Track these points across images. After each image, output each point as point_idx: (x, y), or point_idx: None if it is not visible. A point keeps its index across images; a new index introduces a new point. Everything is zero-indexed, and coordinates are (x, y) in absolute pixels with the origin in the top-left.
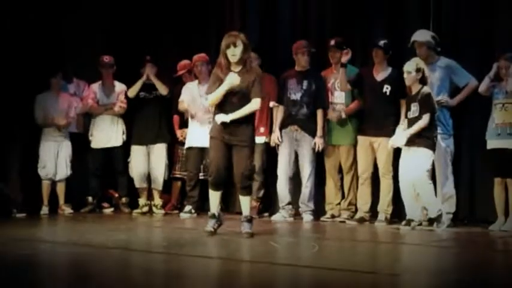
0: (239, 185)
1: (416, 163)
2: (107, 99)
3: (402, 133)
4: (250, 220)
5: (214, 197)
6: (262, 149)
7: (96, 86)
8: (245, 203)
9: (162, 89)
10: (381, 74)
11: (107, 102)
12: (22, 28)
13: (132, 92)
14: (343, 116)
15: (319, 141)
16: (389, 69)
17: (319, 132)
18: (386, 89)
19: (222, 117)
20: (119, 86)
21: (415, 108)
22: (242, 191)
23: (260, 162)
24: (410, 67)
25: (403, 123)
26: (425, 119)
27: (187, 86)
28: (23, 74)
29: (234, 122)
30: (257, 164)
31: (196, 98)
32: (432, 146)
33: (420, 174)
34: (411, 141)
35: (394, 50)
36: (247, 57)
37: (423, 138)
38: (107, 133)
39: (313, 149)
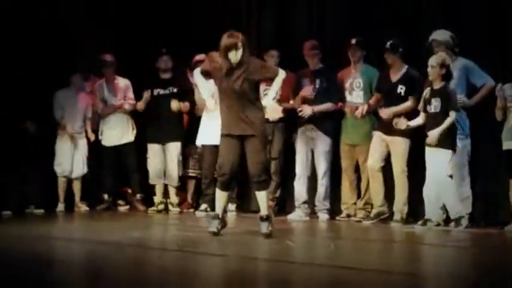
0: (254, 179)
1: (439, 163)
2: (114, 97)
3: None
4: (267, 219)
5: (222, 198)
6: (280, 148)
7: (100, 86)
8: (262, 199)
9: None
10: (396, 74)
11: (114, 100)
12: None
13: (141, 106)
14: (364, 112)
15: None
16: (404, 69)
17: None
18: (401, 89)
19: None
20: (123, 82)
21: (436, 103)
22: (258, 186)
23: (278, 162)
24: (435, 61)
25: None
26: (452, 115)
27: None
28: (41, 70)
29: (243, 114)
30: (274, 165)
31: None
32: (453, 146)
33: (442, 175)
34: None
35: (414, 50)
36: (247, 59)
37: (445, 138)
38: (118, 130)
39: (329, 148)
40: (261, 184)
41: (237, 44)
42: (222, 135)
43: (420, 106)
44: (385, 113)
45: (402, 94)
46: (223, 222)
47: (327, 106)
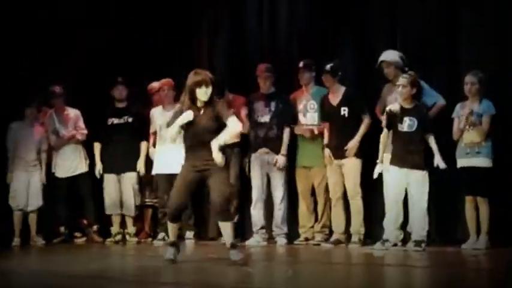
0: (218, 210)
1: (416, 185)
2: (65, 128)
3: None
4: (235, 247)
5: (173, 229)
6: (237, 173)
7: (50, 117)
8: (226, 229)
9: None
10: (336, 97)
11: (66, 131)
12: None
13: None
14: (316, 132)
15: (281, 159)
16: (343, 90)
17: (283, 149)
18: (344, 111)
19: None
20: (73, 112)
21: (411, 122)
22: (222, 217)
23: (235, 187)
24: (406, 81)
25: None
26: (432, 137)
27: (155, 112)
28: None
29: (208, 148)
30: (231, 189)
31: (162, 125)
32: (426, 166)
33: (420, 196)
34: (408, 162)
35: (366, 70)
36: (215, 97)
37: (419, 159)
38: (72, 161)
39: (279, 169)
40: (224, 215)
41: (207, 82)
42: (184, 165)
43: (384, 123)
44: (351, 148)
45: (346, 116)
46: (178, 250)
47: (287, 136)
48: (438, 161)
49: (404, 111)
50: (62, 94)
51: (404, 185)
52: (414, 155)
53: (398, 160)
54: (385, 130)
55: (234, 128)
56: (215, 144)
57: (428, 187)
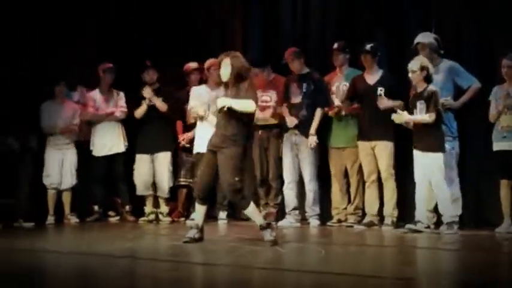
0: (233, 202)
1: (432, 167)
2: (106, 105)
3: (405, 113)
4: (267, 227)
5: (200, 210)
6: (276, 155)
7: (94, 93)
8: (251, 214)
9: (162, 107)
10: (372, 77)
11: (107, 108)
12: (25, 37)
13: (138, 114)
14: (343, 113)
15: (311, 139)
16: (380, 72)
17: (312, 129)
18: (381, 91)
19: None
20: (117, 92)
21: (421, 106)
22: (238, 206)
23: (275, 168)
24: (415, 66)
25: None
26: (431, 116)
27: (196, 90)
28: (28, 82)
29: (222, 127)
30: (272, 171)
31: (206, 102)
32: (442, 148)
33: (437, 179)
34: (423, 145)
35: (397, 53)
36: (238, 76)
37: (433, 141)
38: (109, 140)
39: (311, 150)
40: (239, 204)
41: (221, 61)
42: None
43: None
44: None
45: (382, 95)
46: (200, 233)
47: (318, 116)
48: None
49: (417, 96)
50: (112, 71)
51: (426, 168)
52: (430, 137)
53: (417, 144)
54: None
55: (248, 103)
56: (225, 100)
57: (463, 170)
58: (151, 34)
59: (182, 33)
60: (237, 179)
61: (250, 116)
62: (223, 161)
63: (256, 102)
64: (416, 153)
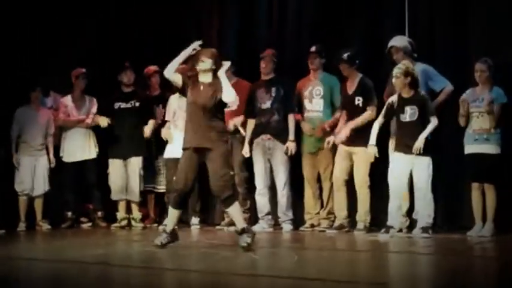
0: (219, 197)
1: (421, 171)
2: (78, 112)
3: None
4: (244, 231)
5: (174, 215)
6: (241, 160)
7: (67, 99)
8: (233, 214)
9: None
10: (351, 86)
11: (78, 115)
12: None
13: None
14: (327, 129)
15: (291, 145)
16: (358, 78)
17: (291, 136)
18: (358, 101)
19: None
20: (90, 99)
21: (412, 111)
22: (225, 203)
23: (241, 174)
24: (398, 71)
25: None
26: (434, 121)
27: (172, 98)
28: (2, 87)
29: (203, 125)
30: (238, 177)
31: (177, 109)
32: (430, 151)
33: (425, 182)
34: (411, 149)
35: (373, 57)
36: (216, 70)
37: (424, 146)
38: (79, 146)
39: (287, 155)
40: (226, 201)
41: (203, 58)
42: (183, 149)
43: (383, 113)
44: (339, 138)
45: (360, 105)
46: (172, 237)
47: (292, 123)
48: (418, 142)
49: (404, 101)
50: (84, 77)
51: (409, 171)
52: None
53: (403, 147)
54: (379, 119)
55: (232, 91)
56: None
57: (434, 173)
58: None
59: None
60: (230, 172)
61: (223, 112)
62: (214, 157)
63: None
64: (399, 156)
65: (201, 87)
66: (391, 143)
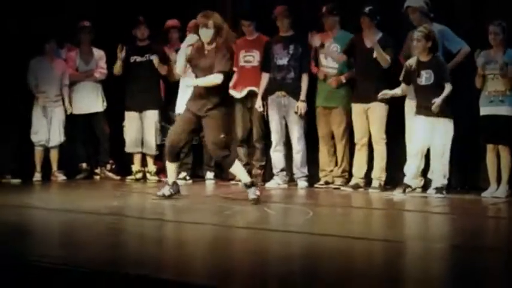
0: (217, 159)
1: (441, 133)
2: (86, 66)
3: (437, 101)
4: (251, 185)
5: (171, 168)
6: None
7: (74, 53)
8: (236, 171)
9: (163, 71)
10: (370, 40)
11: (86, 69)
12: None
13: (117, 70)
14: (343, 80)
15: (301, 105)
16: (380, 35)
17: (302, 96)
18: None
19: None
20: (98, 52)
21: (427, 75)
22: (224, 164)
23: (260, 129)
24: (420, 35)
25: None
26: (448, 87)
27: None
28: (17, 39)
29: (202, 93)
30: (256, 132)
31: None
32: (451, 114)
33: (445, 144)
34: (429, 110)
35: (390, 16)
36: (220, 38)
37: (445, 107)
38: (87, 99)
39: (297, 115)
40: (225, 161)
41: (207, 23)
42: (185, 109)
43: (402, 77)
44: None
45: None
46: (174, 189)
47: (305, 82)
48: (436, 102)
49: (420, 65)
50: (90, 30)
51: (431, 133)
52: (441, 103)
53: (424, 110)
54: (402, 84)
55: (212, 79)
56: (195, 81)
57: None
58: None
59: None
60: (222, 136)
61: (225, 81)
62: (209, 123)
63: (230, 70)
64: (420, 119)
65: (205, 52)
66: (407, 105)
